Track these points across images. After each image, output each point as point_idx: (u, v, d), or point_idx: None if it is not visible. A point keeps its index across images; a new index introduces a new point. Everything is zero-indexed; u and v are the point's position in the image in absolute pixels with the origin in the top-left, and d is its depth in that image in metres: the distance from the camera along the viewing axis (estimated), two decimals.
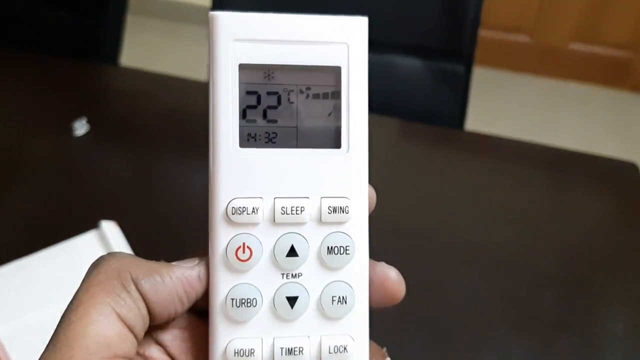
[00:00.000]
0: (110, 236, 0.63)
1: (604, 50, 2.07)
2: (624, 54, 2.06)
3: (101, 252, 0.61)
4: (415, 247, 0.69)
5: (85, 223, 0.64)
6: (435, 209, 0.75)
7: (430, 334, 0.60)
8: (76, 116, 0.82)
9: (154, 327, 0.27)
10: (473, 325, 0.61)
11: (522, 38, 2.11)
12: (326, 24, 0.27)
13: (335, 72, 0.27)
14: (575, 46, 2.08)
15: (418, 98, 1.01)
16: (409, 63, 1.00)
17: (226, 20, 0.26)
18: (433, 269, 0.66)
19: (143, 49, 2.08)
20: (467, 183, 0.79)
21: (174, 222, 0.70)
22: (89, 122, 0.82)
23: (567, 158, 0.84)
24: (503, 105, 2.02)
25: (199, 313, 0.28)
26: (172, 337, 0.27)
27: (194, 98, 0.90)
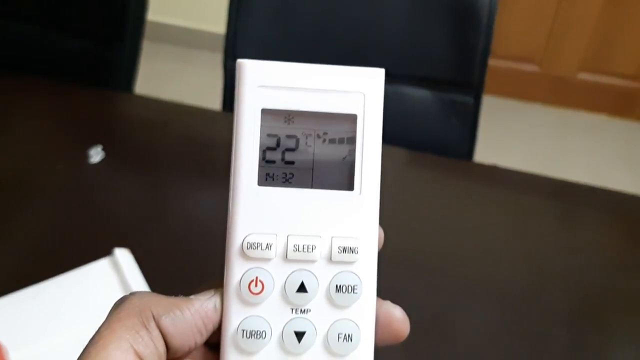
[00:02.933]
0: (123, 263, 0.64)
1: (612, 80, 2.08)
2: (632, 84, 2.07)
3: (114, 280, 0.63)
4: (422, 279, 0.69)
5: (99, 249, 0.65)
6: (442, 240, 0.75)
7: None
8: (92, 144, 0.83)
9: None
10: None
11: (531, 67, 2.12)
12: (345, 73, 0.28)
13: (352, 119, 0.28)
14: (584, 76, 2.09)
15: (427, 129, 1.02)
16: (419, 94, 1.01)
17: (252, 68, 0.28)
18: (440, 302, 0.67)
19: (156, 74, 2.11)
20: (475, 215, 0.79)
21: (187, 249, 0.70)
22: (104, 149, 0.83)
23: (577, 191, 0.84)
24: (511, 134, 2.03)
25: (212, 347, 0.29)
26: None
27: (208, 126, 0.91)
